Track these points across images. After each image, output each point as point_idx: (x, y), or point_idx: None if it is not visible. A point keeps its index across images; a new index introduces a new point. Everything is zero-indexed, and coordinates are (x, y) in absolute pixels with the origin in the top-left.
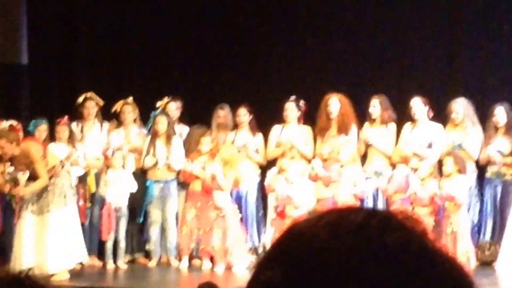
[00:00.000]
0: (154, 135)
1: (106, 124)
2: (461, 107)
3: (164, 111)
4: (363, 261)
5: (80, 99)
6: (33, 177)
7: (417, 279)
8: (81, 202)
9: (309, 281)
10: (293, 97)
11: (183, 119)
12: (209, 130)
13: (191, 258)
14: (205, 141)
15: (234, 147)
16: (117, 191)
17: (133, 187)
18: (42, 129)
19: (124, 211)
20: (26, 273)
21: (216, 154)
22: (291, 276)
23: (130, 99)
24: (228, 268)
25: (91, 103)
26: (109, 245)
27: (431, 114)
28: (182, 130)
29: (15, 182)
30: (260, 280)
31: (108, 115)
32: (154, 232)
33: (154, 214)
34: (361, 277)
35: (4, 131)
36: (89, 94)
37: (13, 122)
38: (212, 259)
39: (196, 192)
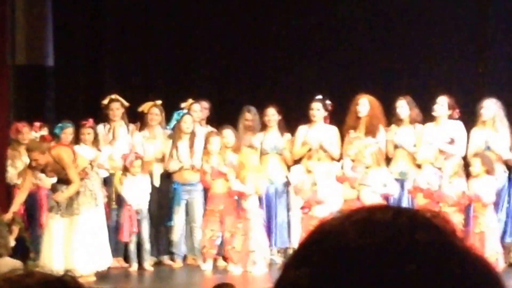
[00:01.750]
0: (177, 135)
1: (132, 126)
2: (490, 106)
3: (190, 112)
4: (392, 260)
5: (105, 101)
6: (63, 181)
7: (446, 277)
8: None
9: (338, 279)
10: (319, 96)
11: (211, 121)
12: (236, 131)
13: (216, 260)
14: (213, 141)
15: (256, 152)
16: (137, 193)
17: (149, 189)
18: (68, 132)
19: (145, 213)
20: (69, 275)
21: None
22: (320, 274)
23: (159, 102)
24: (248, 270)
25: (116, 105)
26: (131, 247)
27: (457, 116)
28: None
29: (53, 189)
30: (289, 278)
31: (135, 116)
32: (178, 234)
33: (179, 216)
34: (390, 275)
35: (35, 142)
36: (113, 96)
37: (44, 132)
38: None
39: (217, 194)
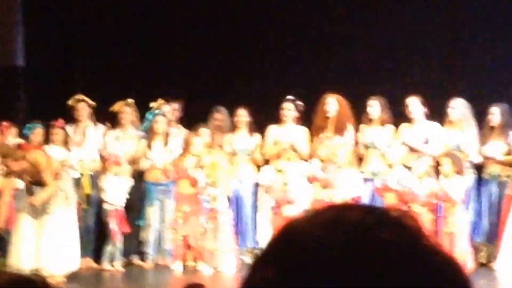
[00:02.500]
0: (151, 135)
1: (101, 126)
2: (457, 105)
3: (162, 112)
4: (359, 258)
5: (70, 101)
6: (38, 183)
7: (413, 276)
8: None
9: (305, 279)
10: (290, 97)
11: (182, 121)
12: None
13: (185, 260)
14: (195, 141)
15: (223, 153)
16: (116, 193)
17: (127, 189)
18: (38, 132)
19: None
20: (37, 274)
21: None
22: (287, 274)
23: (131, 100)
24: (218, 270)
25: (82, 105)
26: (109, 248)
27: (427, 114)
28: (180, 132)
29: (28, 192)
30: (256, 279)
31: (106, 116)
32: (151, 234)
33: (152, 216)
34: (357, 274)
35: (9, 149)
36: (78, 96)
37: (21, 140)
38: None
39: (183, 194)
